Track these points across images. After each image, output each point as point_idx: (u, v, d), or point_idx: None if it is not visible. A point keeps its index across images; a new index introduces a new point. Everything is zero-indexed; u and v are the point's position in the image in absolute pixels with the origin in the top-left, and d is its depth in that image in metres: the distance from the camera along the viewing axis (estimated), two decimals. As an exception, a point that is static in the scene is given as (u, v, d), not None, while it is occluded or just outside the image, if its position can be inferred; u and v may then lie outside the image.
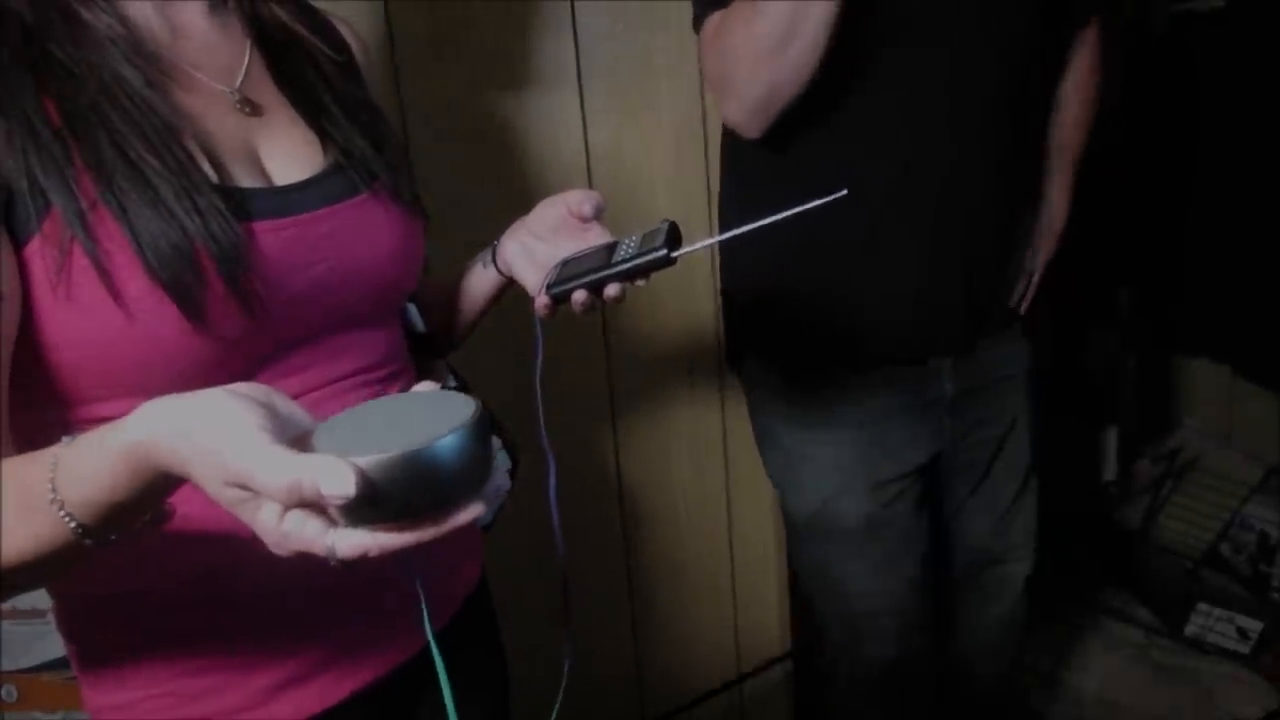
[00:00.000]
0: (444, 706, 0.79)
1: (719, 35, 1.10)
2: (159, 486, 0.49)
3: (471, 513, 0.45)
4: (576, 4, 1.40)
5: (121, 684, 0.68)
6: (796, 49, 1.02)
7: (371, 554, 0.44)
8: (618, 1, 1.42)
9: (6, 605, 1.28)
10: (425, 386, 0.52)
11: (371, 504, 0.42)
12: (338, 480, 0.41)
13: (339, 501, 0.42)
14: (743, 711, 1.80)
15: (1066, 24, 1.27)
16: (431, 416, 0.45)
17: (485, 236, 0.91)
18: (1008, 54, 1.13)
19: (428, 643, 0.76)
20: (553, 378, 0.74)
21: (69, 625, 0.70)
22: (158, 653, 0.67)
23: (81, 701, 0.71)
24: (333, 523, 0.44)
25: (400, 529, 0.45)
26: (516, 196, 1.44)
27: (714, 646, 1.73)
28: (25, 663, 1.33)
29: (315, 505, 0.43)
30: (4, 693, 1.34)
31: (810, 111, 1.11)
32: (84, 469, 0.48)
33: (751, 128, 1.13)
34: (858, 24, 1.06)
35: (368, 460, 0.42)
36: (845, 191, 0.67)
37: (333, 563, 0.45)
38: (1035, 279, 1.38)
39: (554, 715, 0.69)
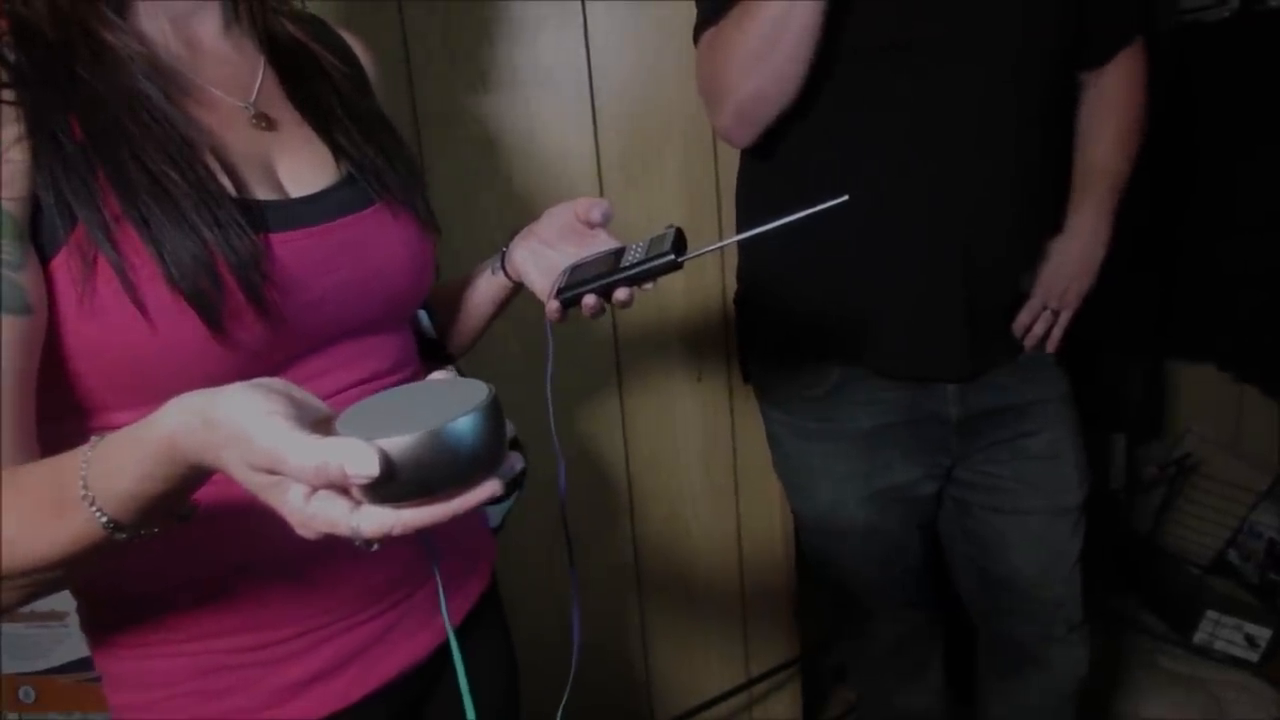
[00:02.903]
0: (456, 698, 0.81)
1: (711, 45, 1.13)
2: (189, 479, 0.51)
3: (488, 490, 0.47)
4: (588, 8, 1.43)
5: (143, 683, 0.69)
6: (782, 52, 1.04)
7: (395, 532, 0.46)
8: (629, 4, 1.44)
9: (25, 608, 1.30)
10: (440, 375, 0.53)
11: (393, 483, 0.45)
12: (362, 461, 0.43)
13: (363, 481, 0.44)
14: (751, 716, 1.80)
15: (1089, 50, 1.23)
16: (447, 400, 0.48)
17: (496, 240, 0.92)
18: (1022, 76, 1.11)
19: (442, 640, 0.78)
20: (563, 380, 0.76)
21: (92, 625, 0.72)
22: (179, 652, 0.69)
23: (99, 703, 0.72)
24: (357, 504, 0.46)
25: (421, 505, 0.46)
26: (527, 200, 1.46)
27: (723, 650, 1.74)
28: (43, 665, 1.35)
29: (341, 487, 0.46)
30: (21, 694, 1.36)
31: (818, 125, 1.12)
32: (115, 464, 0.50)
33: (739, 135, 1.15)
34: (864, 40, 1.07)
35: (389, 441, 0.44)
36: (846, 198, 0.68)
37: (357, 542, 0.47)
38: (1065, 317, 1.26)
39: (570, 677, 0.70)
